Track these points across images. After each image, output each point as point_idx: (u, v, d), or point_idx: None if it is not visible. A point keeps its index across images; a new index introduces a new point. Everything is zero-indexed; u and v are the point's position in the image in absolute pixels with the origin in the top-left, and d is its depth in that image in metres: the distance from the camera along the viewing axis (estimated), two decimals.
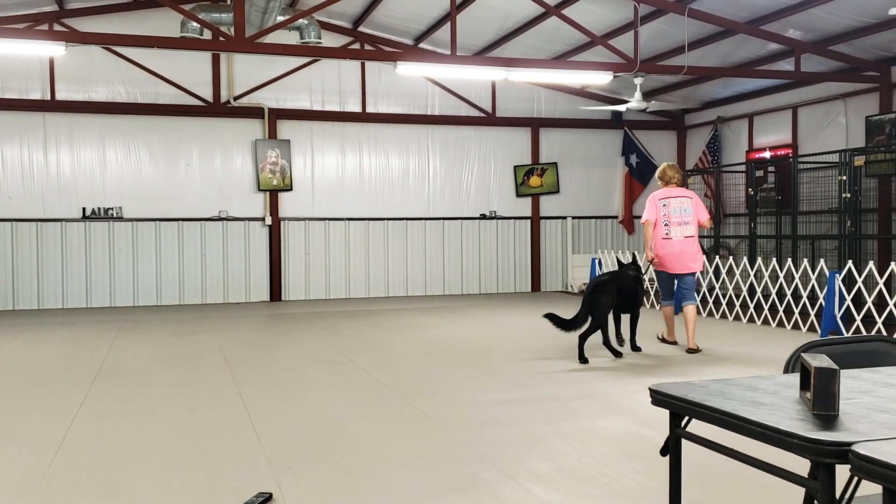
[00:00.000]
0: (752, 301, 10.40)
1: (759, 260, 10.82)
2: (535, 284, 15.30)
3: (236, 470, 4.20)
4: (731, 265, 11.14)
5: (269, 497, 3.72)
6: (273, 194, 13.94)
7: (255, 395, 6.10)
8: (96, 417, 5.43)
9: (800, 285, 9.88)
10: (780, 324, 9.88)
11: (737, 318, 10.59)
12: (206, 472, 4.17)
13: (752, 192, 12.08)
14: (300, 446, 4.65)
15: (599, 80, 11.46)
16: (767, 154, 13.47)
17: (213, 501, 3.73)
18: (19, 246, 12.84)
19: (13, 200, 12.83)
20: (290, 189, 14.01)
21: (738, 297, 10.78)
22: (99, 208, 13.15)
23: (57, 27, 12.56)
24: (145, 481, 4.03)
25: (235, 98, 13.73)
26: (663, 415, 2.33)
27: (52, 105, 12.91)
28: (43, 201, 12.95)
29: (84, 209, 13.10)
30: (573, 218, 15.54)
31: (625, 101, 13.01)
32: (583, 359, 7.37)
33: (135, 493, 3.85)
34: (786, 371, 2.56)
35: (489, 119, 15.03)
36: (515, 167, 15.22)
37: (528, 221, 15.33)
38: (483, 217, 15.09)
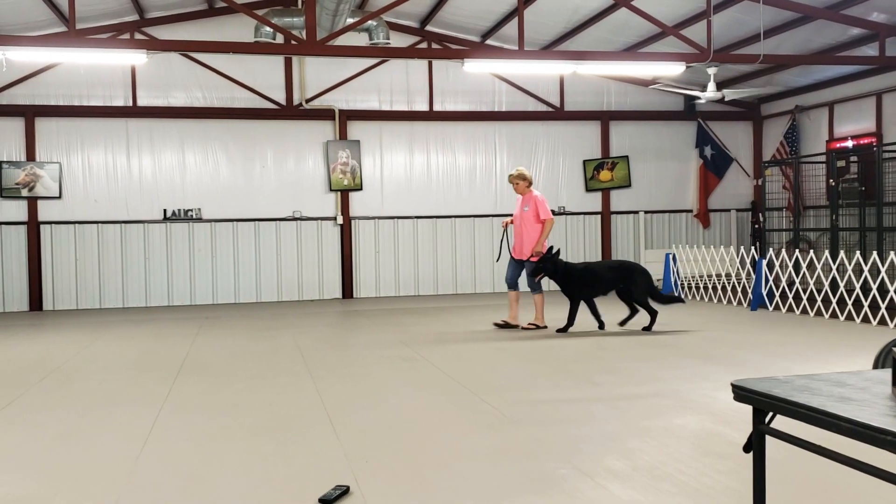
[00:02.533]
0: (834, 296, 10.07)
1: (842, 253, 10.47)
2: None
3: (314, 463, 4.29)
4: (811, 259, 10.80)
5: (347, 490, 3.79)
6: (344, 194, 14.16)
7: (330, 389, 6.21)
8: (181, 410, 5.62)
9: (886, 279, 9.51)
10: (865, 319, 9.54)
11: (818, 313, 10.27)
12: (285, 465, 4.27)
13: (833, 184, 11.68)
14: (376, 440, 4.72)
15: (671, 70, 11.26)
16: (850, 143, 13.00)
17: (293, 493, 3.82)
18: (105, 247, 13.37)
19: (99, 203, 13.37)
20: (360, 189, 14.20)
21: (819, 292, 10.45)
22: (179, 210, 13.59)
23: (138, 36, 13.02)
24: (228, 473, 4.15)
25: (307, 100, 13.99)
26: (742, 413, 2.30)
27: (134, 111, 13.40)
28: (126, 204, 13.45)
29: (165, 211, 13.56)
30: (645, 212, 15.31)
31: (697, 95, 12.75)
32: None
33: (218, 484, 3.98)
34: (875, 367, 2.48)
35: (557, 113, 14.92)
36: (585, 161, 15.07)
37: (599, 217, 15.16)
38: (552, 213, 14.96)
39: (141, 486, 3.97)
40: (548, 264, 9.13)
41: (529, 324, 9.52)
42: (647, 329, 9.08)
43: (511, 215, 10.10)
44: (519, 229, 9.51)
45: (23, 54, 9.28)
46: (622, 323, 9.29)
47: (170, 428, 5.13)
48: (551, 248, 9.30)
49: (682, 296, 9.76)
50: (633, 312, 9.27)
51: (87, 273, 13.32)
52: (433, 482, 3.95)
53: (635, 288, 9.10)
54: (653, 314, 9.13)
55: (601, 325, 9.21)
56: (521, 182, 9.51)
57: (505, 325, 9.60)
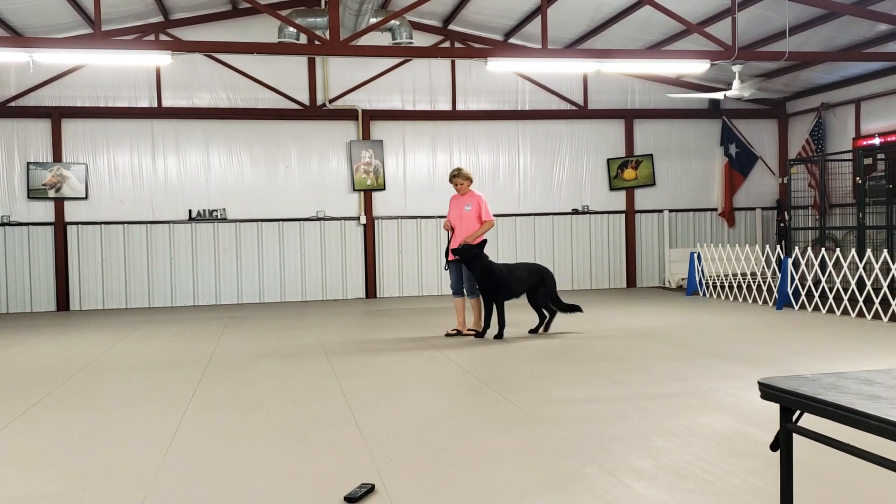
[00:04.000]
0: (861, 295, 9.95)
1: (869, 252, 10.34)
2: (631, 280, 15.05)
3: (339, 461, 4.31)
4: (837, 257, 10.68)
5: (372, 488, 3.80)
6: (367, 194, 14.20)
7: (355, 388, 6.24)
8: (206, 409, 5.67)
9: None
10: (893, 318, 9.42)
11: (845, 312, 10.15)
12: (310, 463, 4.29)
13: (860, 181, 11.54)
14: (400, 439, 4.73)
15: (696, 68, 11.18)
16: (877, 140, 12.84)
17: (318, 491, 3.84)
18: (131, 247, 13.52)
19: (125, 204, 13.52)
20: (384, 188, 14.24)
21: (845, 290, 10.33)
22: (204, 210, 13.70)
23: (163, 37, 13.15)
24: (253, 471, 4.19)
25: (330, 101, 14.05)
26: (768, 412, 2.28)
27: (159, 112, 13.53)
28: (152, 204, 13.59)
29: (190, 211, 13.68)
30: (670, 211, 15.21)
31: (723, 90, 12.66)
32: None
33: (244, 482, 4.01)
34: None
35: (581, 112, 14.87)
36: (609, 160, 15.01)
37: (623, 215, 15.09)
38: (575, 212, 14.94)
39: (168, 484, 4.02)
40: (465, 253, 8.68)
41: (469, 329, 9.07)
42: (535, 332, 9.03)
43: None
44: (458, 230, 9.00)
45: (49, 56, 9.39)
46: (534, 330, 9.09)
47: (196, 426, 5.18)
48: (485, 241, 8.88)
49: (581, 306, 9.44)
50: (543, 318, 9.15)
51: (114, 273, 13.47)
52: (457, 480, 3.95)
53: (544, 290, 9.01)
54: (552, 315, 9.13)
55: (500, 334, 8.76)
56: (465, 182, 9.06)
57: (476, 333, 8.96)
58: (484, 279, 8.73)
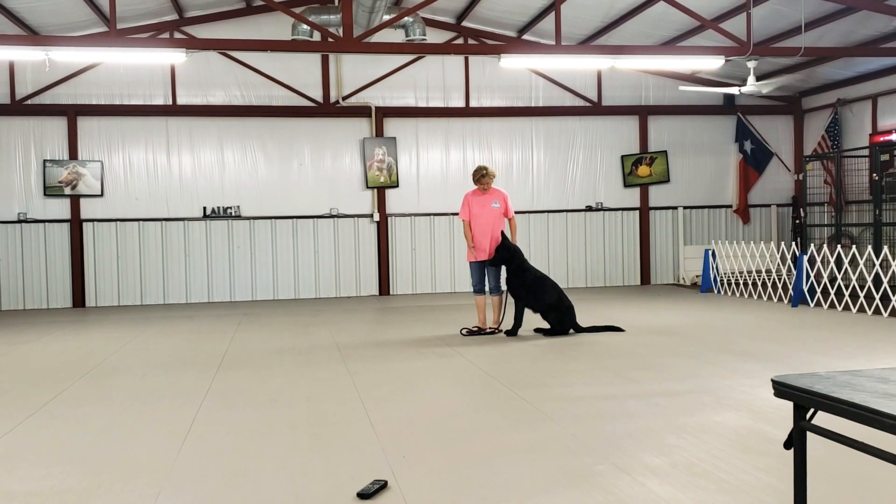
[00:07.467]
0: (877, 292, 9.87)
1: (885, 249, 10.26)
2: (645, 277, 14.99)
3: (352, 457, 4.32)
4: (853, 254, 10.60)
5: (385, 484, 3.81)
6: (380, 191, 14.22)
7: (368, 384, 6.26)
8: (220, 405, 5.70)
9: None
10: None
11: (861, 310, 10.08)
12: (323, 459, 4.31)
13: (876, 178, 11.44)
14: (413, 435, 4.74)
15: (710, 64, 11.11)
16: (894, 136, 12.72)
17: (331, 487, 3.85)
18: (146, 244, 13.60)
19: (140, 201, 13.60)
20: (397, 186, 14.25)
21: (861, 288, 10.25)
22: (218, 207, 13.77)
23: (177, 35, 13.22)
24: (267, 466, 4.21)
25: (344, 98, 14.07)
26: (782, 410, 2.27)
27: (173, 109, 13.60)
28: (167, 201, 13.66)
29: (204, 208, 13.74)
30: (684, 208, 15.14)
31: (738, 85, 12.58)
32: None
33: (257, 478, 4.03)
34: None
35: (595, 108, 14.82)
36: (623, 157, 14.95)
37: (637, 212, 15.03)
38: (589, 209, 14.90)
39: (182, 480, 4.04)
40: (504, 252, 8.69)
41: (491, 327, 9.02)
42: (541, 331, 8.85)
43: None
44: (487, 227, 8.84)
45: (65, 54, 9.46)
46: (540, 330, 8.91)
47: (210, 422, 5.21)
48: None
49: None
50: (551, 327, 8.81)
51: (129, 270, 13.56)
52: (470, 477, 3.96)
53: (559, 316, 8.69)
54: (564, 333, 8.72)
55: (514, 331, 8.76)
56: (493, 179, 8.92)
57: (497, 330, 8.97)
58: (516, 276, 8.75)
